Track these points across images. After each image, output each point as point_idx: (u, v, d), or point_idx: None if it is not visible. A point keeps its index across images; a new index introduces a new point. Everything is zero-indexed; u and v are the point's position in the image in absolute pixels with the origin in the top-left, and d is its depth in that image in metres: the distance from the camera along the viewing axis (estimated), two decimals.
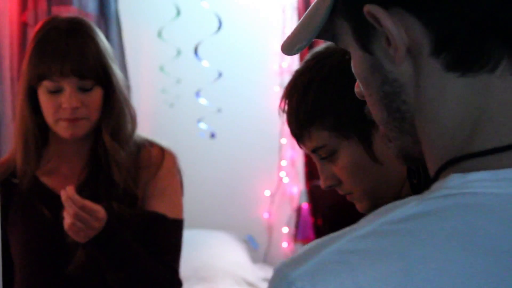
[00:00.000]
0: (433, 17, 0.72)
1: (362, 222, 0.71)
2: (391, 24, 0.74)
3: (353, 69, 0.83)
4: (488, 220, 0.68)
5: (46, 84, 1.80)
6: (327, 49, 1.39)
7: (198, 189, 4.68)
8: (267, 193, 4.64)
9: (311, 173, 4.40)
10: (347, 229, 0.71)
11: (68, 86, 1.80)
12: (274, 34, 4.55)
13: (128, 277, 1.88)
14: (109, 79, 1.88)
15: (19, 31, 4.21)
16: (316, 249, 0.70)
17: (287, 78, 4.90)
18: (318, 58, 1.39)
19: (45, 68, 1.79)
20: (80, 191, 1.81)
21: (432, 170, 0.77)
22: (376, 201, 1.35)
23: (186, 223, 5.18)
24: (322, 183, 1.40)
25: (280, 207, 4.65)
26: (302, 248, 0.72)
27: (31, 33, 4.23)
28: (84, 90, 1.82)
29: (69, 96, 1.79)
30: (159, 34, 4.16)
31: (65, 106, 1.79)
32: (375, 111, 0.82)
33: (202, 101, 4.21)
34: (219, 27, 3.96)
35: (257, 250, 4.58)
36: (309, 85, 1.36)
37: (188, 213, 5.29)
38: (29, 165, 1.87)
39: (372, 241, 0.68)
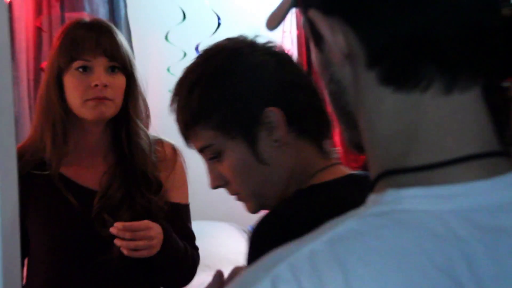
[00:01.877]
0: (367, 31, 0.69)
1: (310, 236, 0.68)
2: (325, 30, 0.71)
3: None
4: (420, 238, 0.65)
5: (77, 64, 1.81)
6: (215, 47, 1.33)
7: (203, 183, 4.72)
8: None
9: None
10: (290, 247, 0.68)
11: (98, 66, 1.81)
12: (274, 37, 4.58)
13: (174, 263, 1.89)
14: (132, 68, 1.89)
15: (34, 35, 4.19)
16: (260, 270, 0.66)
17: None
18: (205, 56, 1.32)
19: (78, 47, 1.81)
20: (109, 182, 1.84)
21: (372, 175, 0.74)
22: (263, 201, 1.30)
23: (192, 216, 5.32)
24: (210, 183, 1.35)
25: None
26: (255, 264, 0.69)
27: (45, 37, 4.26)
28: (112, 70, 1.84)
29: (99, 74, 1.80)
30: (166, 37, 4.12)
31: (94, 84, 1.79)
32: (328, 103, 0.80)
33: None
34: (218, 27, 3.95)
35: None
36: (195, 84, 1.28)
37: (195, 206, 5.38)
38: (59, 151, 1.84)
39: (317, 259, 0.65)
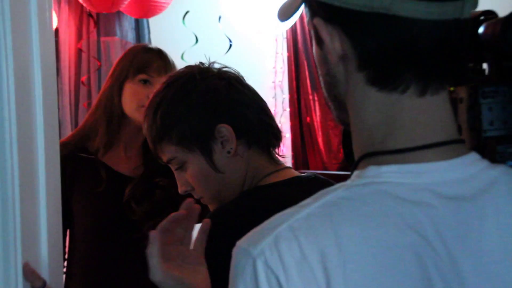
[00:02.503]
0: (359, 40, 0.70)
1: (303, 203, 0.70)
2: (325, 36, 0.73)
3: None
4: (395, 204, 0.68)
5: (142, 77, 1.82)
6: (175, 74, 1.31)
7: None
8: None
9: (297, 165, 4.48)
10: (292, 210, 0.70)
11: (158, 82, 1.74)
12: (269, 57, 4.55)
13: None
14: None
15: (75, 55, 4.23)
16: (270, 229, 0.68)
17: (278, 91, 4.93)
18: (168, 82, 1.29)
19: (148, 65, 1.82)
20: (141, 169, 1.85)
21: (356, 154, 0.76)
22: (222, 202, 1.26)
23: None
24: (179, 189, 1.31)
25: None
26: (257, 228, 0.70)
27: (84, 57, 4.28)
28: None
29: None
30: (182, 57, 4.17)
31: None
32: (322, 87, 0.81)
33: None
34: (229, 48, 3.92)
35: None
36: (158, 105, 1.26)
37: None
38: (107, 140, 1.84)
39: (312, 221, 0.67)
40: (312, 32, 0.77)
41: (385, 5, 0.68)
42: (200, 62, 1.32)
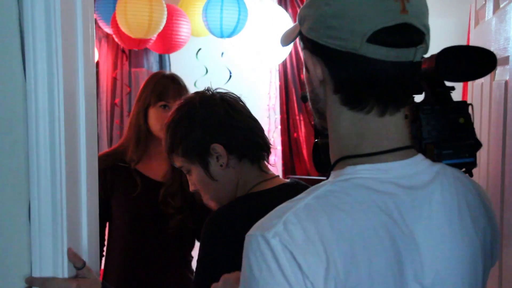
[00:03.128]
0: (334, 70, 0.74)
1: (299, 197, 0.72)
2: (309, 64, 0.76)
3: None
4: (370, 193, 0.72)
5: (161, 103, 1.81)
6: (185, 99, 1.31)
7: None
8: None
9: (286, 171, 4.46)
10: (291, 203, 0.72)
11: (175, 106, 1.82)
12: (265, 85, 4.55)
13: None
14: None
15: (111, 83, 4.22)
16: (277, 217, 0.70)
17: (272, 112, 4.90)
18: (177, 107, 1.30)
19: (165, 93, 1.81)
20: (169, 174, 1.83)
21: (332, 158, 0.79)
22: (220, 203, 1.27)
23: None
24: (190, 188, 1.32)
25: None
26: (263, 219, 0.71)
27: (118, 84, 4.27)
28: None
29: None
30: (195, 84, 4.17)
31: None
32: (309, 101, 0.84)
33: None
34: (229, 79, 3.90)
35: None
36: (169, 126, 1.28)
37: None
38: (137, 154, 1.83)
39: (309, 209, 0.70)
40: (303, 59, 0.80)
41: (356, 47, 0.70)
42: (206, 89, 1.32)
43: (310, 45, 0.76)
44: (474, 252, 0.78)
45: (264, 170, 1.28)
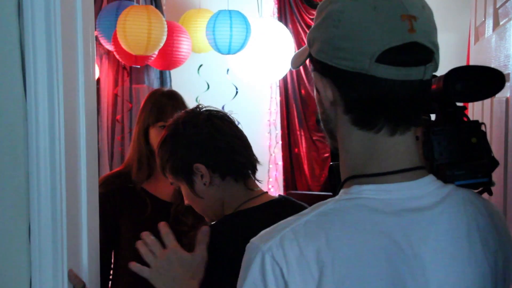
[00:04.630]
0: (344, 91, 0.74)
1: (303, 212, 0.73)
2: (320, 87, 0.76)
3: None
4: (372, 214, 0.71)
5: (160, 123, 1.80)
6: (174, 119, 1.33)
7: None
8: (271, 188, 4.46)
9: (287, 186, 4.44)
10: (294, 217, 0.72)
11: None
12: (265, 100, 4.55)
13: None
14: None
15: (112, 99, 4.22)
16: (276, 231, 0.70)
17: (272, 127, 4.90)
18: (166, 126, 1.33)
19: (163, 113, 1.80)
20: (178, 193, 1.79)
21: (342, 176, 0.78)
22: (210, 217, 1.31)
23: None
24: (184, 202, 1.35)
25: None
26: (267, 229, 0.72)
27: (119, 100, 4.28)
28: None
29: None
30: (196, 100, 4.18)
31: None
32: (320, 121, 0.84)
33: None
34: (236, 94, 3.90)
35: None
36: (158, 145, 1.31)
37: None
38: (142, 175, 1.82)
39: (309, 227, 0.70)
40: (313, 80, 0.80)
41: (365, 68, 0.70)
42: (197, 106, 1.33)
43: (320, 67, 0.76)
44: (484, 276, 0.76)
45: (250, 188, 1.29)
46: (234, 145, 1.28)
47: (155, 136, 1.81)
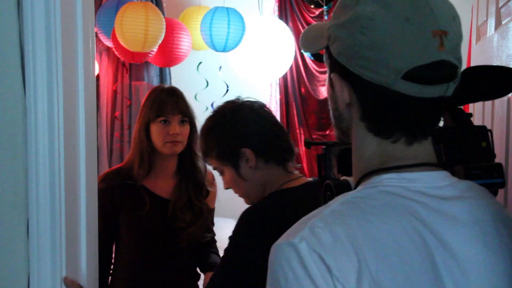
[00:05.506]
0: (364, 99, 0.73)
1: (327, 204, 0.72)
2: (338, 87, 0.75)
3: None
4: (397, 199, 0.70)
5: (161, 118, 1.80)
6: (218, 108, 1.43)
7: (219, 192, 4.68)
8: None
9: None
10: (317, 210, 0.71)
11: (174, 121, 1.81)
12: (265, 99, 4.52)
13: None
14: (194, 119, 1.88)
15: (112, 96, 4.24)
16: (302, 225, 0.69)
17: None
18: (213, 114, 1.42)
19: (163, 108, 1.81)
20: (177, 190, 1.84)
21: (355, 177, 0.78)
22: (251, 200, 1.38)
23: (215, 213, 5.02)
24: (223, 186, 1.44)
25: None
26: (286, 232, 0.70)
27: (118, 97, 4.28)
28: (182, 122, 1.83)
29: (175, 126, 1.80)
30: (195, 97, 4.18)
31: (171, 132, 1.79)
32: (330, 116, 0.83)
33: None
34: (227, 91, 3.89)
35: None
36: (202, 134, 1.42)
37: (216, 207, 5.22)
38: (143, 171, 1.82)
39: (337, 213, 0.69)
40: (328, 79, 0.79)
41: (389, 83, 0.69)
42: (236, 98, 1.44)
43: (340, 69, 0.74)
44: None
45: (290, 171, 1.39)
46: (275, 131, 1.39)
47: (156, 132, 1.82)
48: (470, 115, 0.89)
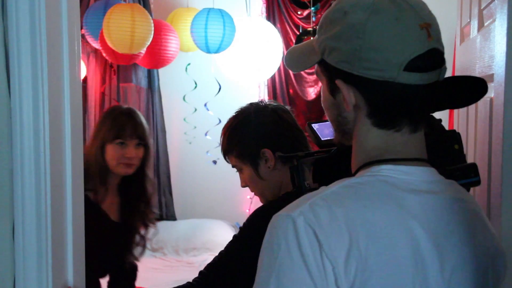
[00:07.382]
0: (371, 97, 0.79)
1: (326, 186, 0.77)
2: (345, 92, 0.80)
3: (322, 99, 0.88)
4: (391, 188, 0.77)
5: (118, 140, 1.88)
6: (241, 109, 1.48)
7: (205, 194, 4.67)
8: (248, 196, 4.55)
9: None
10: (317, 190, 0.76)
11: (131, 144, 1.89)
12: (253, 100, 4.57)
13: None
14: (148, 142, 1.96)
15: (99, 98, 4.22)
16: (303, 201, 0.74)
17: None
18: (235, 114, 1.47)
19: (121, 132, 1.88)
20: (123, 216, 1.94)
21: (354, 166, 0.83)
22: (266, 198, 1.44)
23: (198, 214, 5.14)
24: (240, 184, 1.48)
25: (256, 205, 4.63)
26: (288, 206, 0.75)
27: (106, 99, 4.26)
28: (138, 145, 1.91)
29: (131, 149, 1.89)
30: (184, 98, 4.17)
31: (127, 156, 1.88)
32: (331, 122, 0.88)
33: (209, 138, 4.14)
34: (219, 90, 3.90)
35: None
36: (225, 132, 1.47)
37: (201, 209, 5.23)
38: (103, 193, 1.92)
39: (336, 195, 0.75)
40: (325, 82, 0.84)
41: (393, 76, 0.76)
42: (260, 101, 1.51)
43: (343, 76, 0.80)
44: (485, 261, 0.82)
45: None
46: (296, 135, 1.45)
47: (112, 152, 1.89)
48: (441, 120, 0.96)
